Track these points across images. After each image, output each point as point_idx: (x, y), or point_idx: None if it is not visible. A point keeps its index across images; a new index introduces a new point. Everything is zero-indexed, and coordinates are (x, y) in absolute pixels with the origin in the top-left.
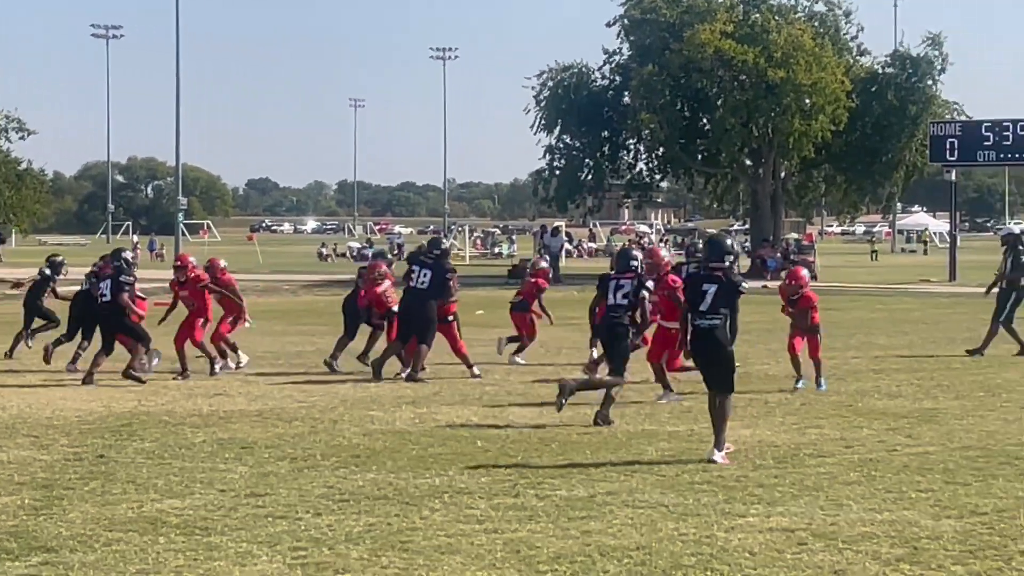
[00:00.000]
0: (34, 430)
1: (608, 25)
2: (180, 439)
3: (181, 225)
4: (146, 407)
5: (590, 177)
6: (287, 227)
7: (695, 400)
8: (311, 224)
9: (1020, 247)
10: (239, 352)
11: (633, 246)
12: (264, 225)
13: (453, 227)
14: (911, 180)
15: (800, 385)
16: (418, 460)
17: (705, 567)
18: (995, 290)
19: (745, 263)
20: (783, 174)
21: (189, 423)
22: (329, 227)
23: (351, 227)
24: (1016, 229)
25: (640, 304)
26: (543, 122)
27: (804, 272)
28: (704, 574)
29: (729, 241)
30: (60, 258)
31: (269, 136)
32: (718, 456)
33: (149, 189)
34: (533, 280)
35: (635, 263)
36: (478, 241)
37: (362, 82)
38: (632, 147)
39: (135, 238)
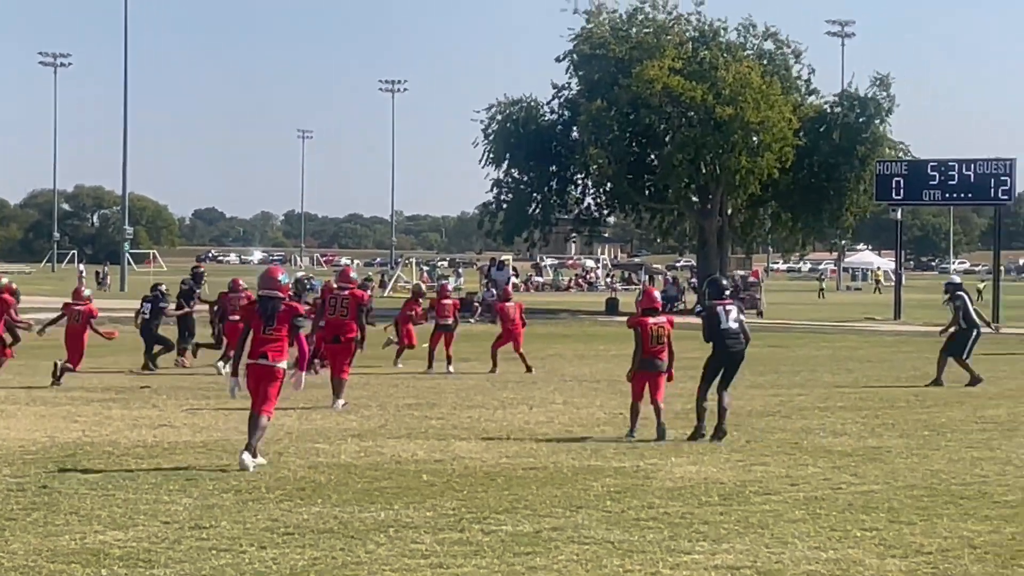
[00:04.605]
0: None
1: (558, 60)
2: (124, 470)
3: (127, 254)
4: (90, 437)
5: (538, 211)
6: (233, 258)
7: (639, 435)
8: (257, 255)
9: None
10: None
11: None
12: (210, 255)
13: (400, 260)
14: (859, 220)
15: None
16: (363, 494)
17: None
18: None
19: (691, 299)
20: (730, 211)
21: (133, 454)
22: (276, 258)
23: (298, 258)
24: (957, 279)
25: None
26: (491, 156)
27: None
28: None
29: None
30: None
31: (216, 166)
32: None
33: (95, 218)
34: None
35: (728, 290)
36: (425, 274)
37: (310, 113)
38: (580, 182)
39: (81, 267)
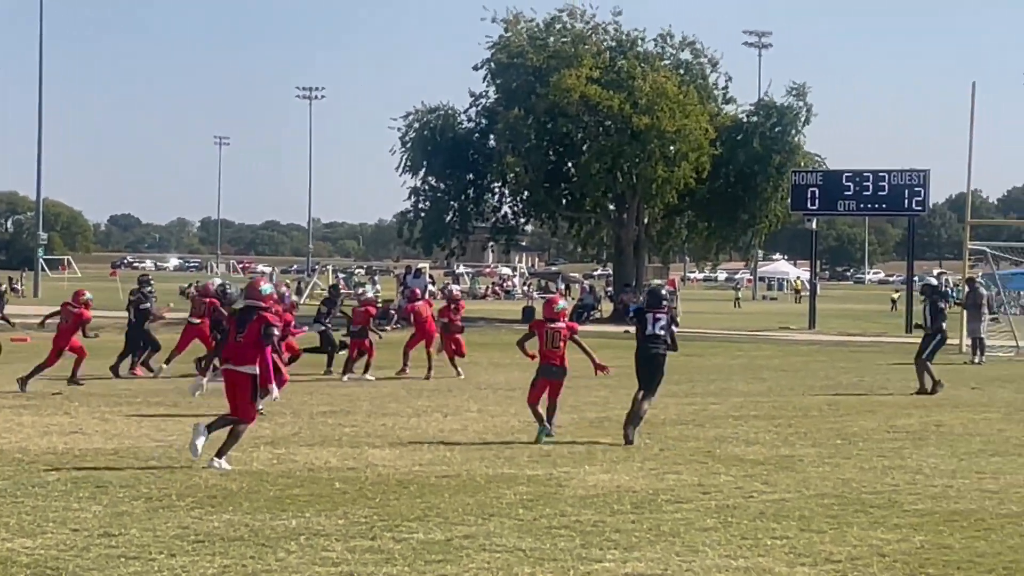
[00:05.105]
0: None
1: (475, 68)
2: (33, 477)
3: (41, 260)
4: None
5: (455, 219)
6: (149, 264)
7: (553, 445)
8: (173, 261)
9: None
10: None
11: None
12: (126, 262)
13: (316, 267)
14: (773, 230)
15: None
16: (275, 501)
17: None
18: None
19: (608, 307)
20: (646, 220)
21: (43, 461)
22: (192, 265)
23: (214, 265)
24: (933, 280)
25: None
26: (408, 164)
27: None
28: None
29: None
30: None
31: (132, 172)
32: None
33: (9, 223)
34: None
35: (666, 301)
36: (341, 281)
37: (228, 120)
38: (497, 190)
39: None
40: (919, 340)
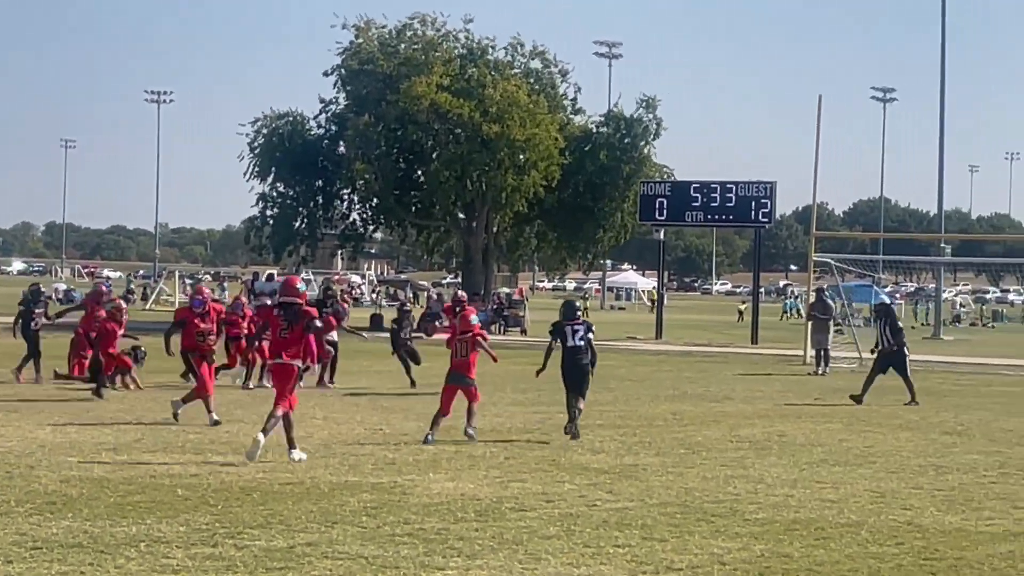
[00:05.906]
0: None
1: (325, 75)
2: None
3: None
4: None
5: (303, 226)
6: None
7: (397, 453)
8: (17, 265)
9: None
10: None
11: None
12: None
13: (163, 273)
14: (620, 240)
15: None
16: (116, 508)
17: None
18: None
19: None
20: (496, 228)
21: None
22: (36, 269)
23: (59, 269)
24: (886, 298)
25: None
26: (256, 169)
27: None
28: None
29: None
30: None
31: None
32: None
33: None
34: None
35: (580, 312)
36: (188, 287)
37: (74, 122)
38: (346, 197)
39: None
40: (870, 359)
